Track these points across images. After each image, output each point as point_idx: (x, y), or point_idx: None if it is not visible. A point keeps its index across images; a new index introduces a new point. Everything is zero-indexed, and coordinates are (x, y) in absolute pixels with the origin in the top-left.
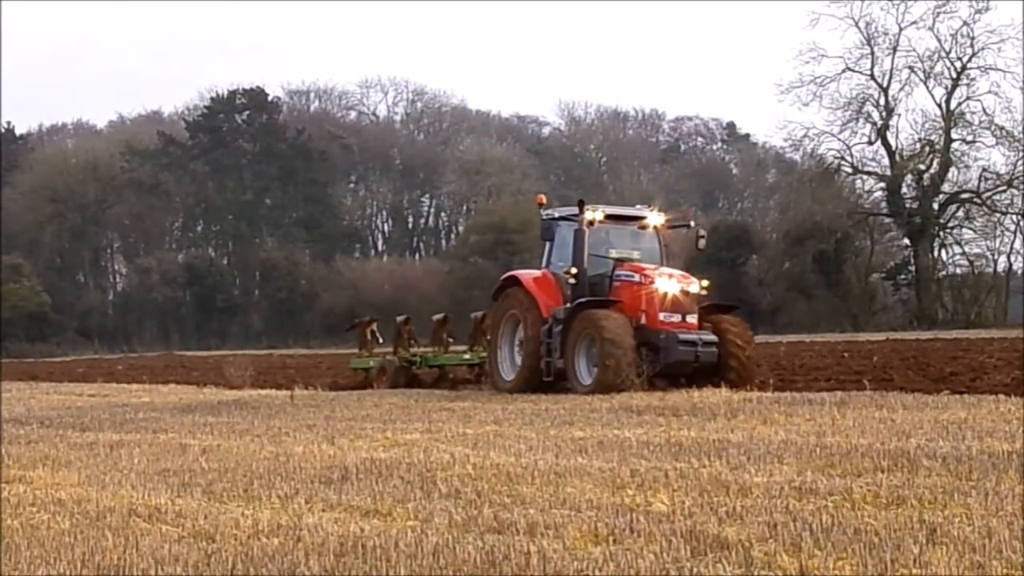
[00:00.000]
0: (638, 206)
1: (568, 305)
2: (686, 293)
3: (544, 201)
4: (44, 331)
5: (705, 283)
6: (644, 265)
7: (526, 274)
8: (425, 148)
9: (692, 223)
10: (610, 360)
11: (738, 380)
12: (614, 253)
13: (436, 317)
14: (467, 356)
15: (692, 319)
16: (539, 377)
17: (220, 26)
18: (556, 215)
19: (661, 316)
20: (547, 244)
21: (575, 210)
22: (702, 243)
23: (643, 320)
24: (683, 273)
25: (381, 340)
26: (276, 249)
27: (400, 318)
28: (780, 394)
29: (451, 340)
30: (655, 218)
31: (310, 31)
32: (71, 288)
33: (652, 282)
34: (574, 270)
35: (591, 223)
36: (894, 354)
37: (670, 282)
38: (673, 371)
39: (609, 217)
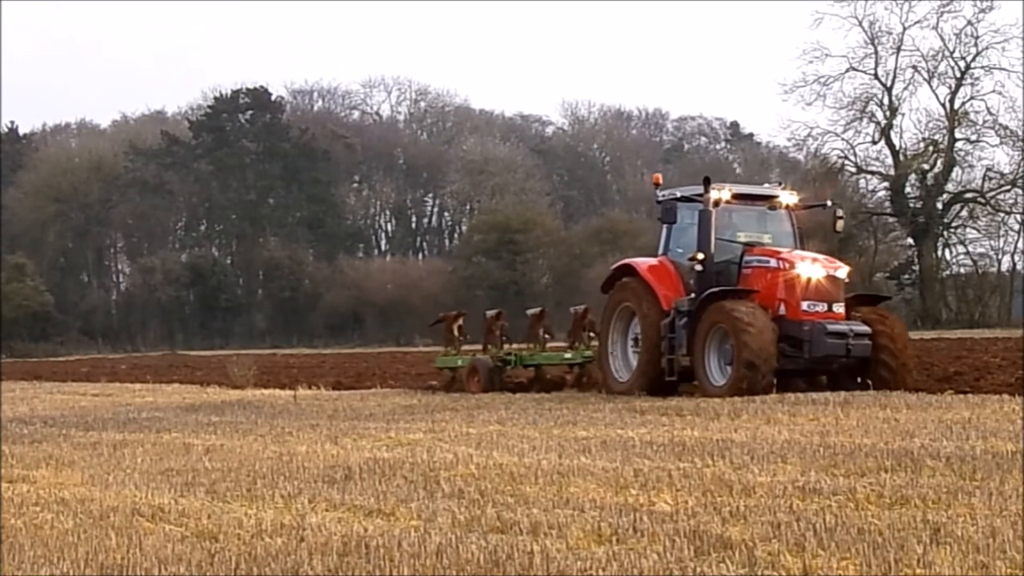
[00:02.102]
0: (766, 184)
1: (692, 296)
2: (832, 279)
3: (660, 180)
4: (47, 331)
5: (848, 269)
6: (779, 249)
7: (642, 262)
8: (428, 148)
9: (829, 202)
10: (748, 357)
11: (892, 381)
12: (742, 237)
13: (531, 311)
14: (568, 355)
15: (839, 308)
16: (660, 377)
17: (223, 26)
18: (678, 194)
19: (804, 305)
20: (665, 229)
21: (698, 189)
22: (840, 224)
23: (782, 311)
24: (827, 256)
25: (467, 336)
26: (279, 249)
27: (491, 312)
28: (784, 394)
29: (547, 337)
30: (788, 197)
31: (313, 31)
32: (75, 288)
33: (793, 267)
34: (700, 256)
35: (717, 203)
36: None
37: (813, 267)
38: (818, 368)
39: (737, 196)
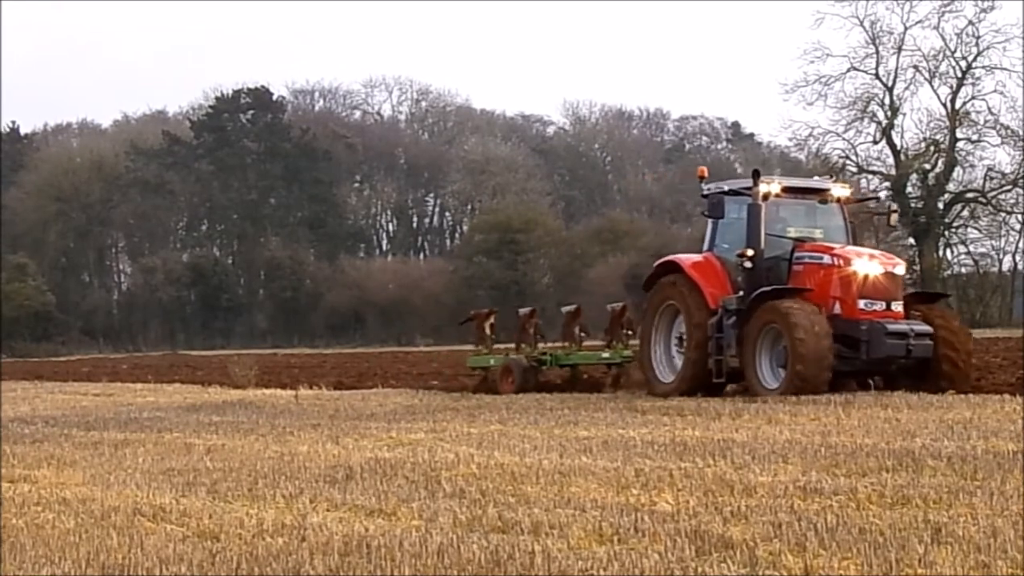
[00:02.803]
0: (816, 177)
1: (740, 294)
2: (890, 276)
3: (706, 174)
4: (49, 330)
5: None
6: (832, 244)
7: (686, 259)
8: (429, 147)
9: (881, 196)
10: (803, 359)
11: (953, 383)
12: (792, 232)
13: (567, 309)
14: (606, 355)
15: (898, 307)
16: (707, 377)
17: (224, 26)
18: (726, 188)
19: (861, 304)
20: (710, 224)
21: (746, 182)
22: (895, 219)
23: (837, 309)
24: (884, 252)
25: (496, 336)
26: (280, 248)
27: (524, 310)
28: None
29: (584, 335)
30: (840, 190)
31: (315, 30)
32: (76, 287)
33: (848, 263)
34: (750, 252)
35: (766, 196)
36: None
37: (871, 263)
38: (876, 369)
39: (787, 190)
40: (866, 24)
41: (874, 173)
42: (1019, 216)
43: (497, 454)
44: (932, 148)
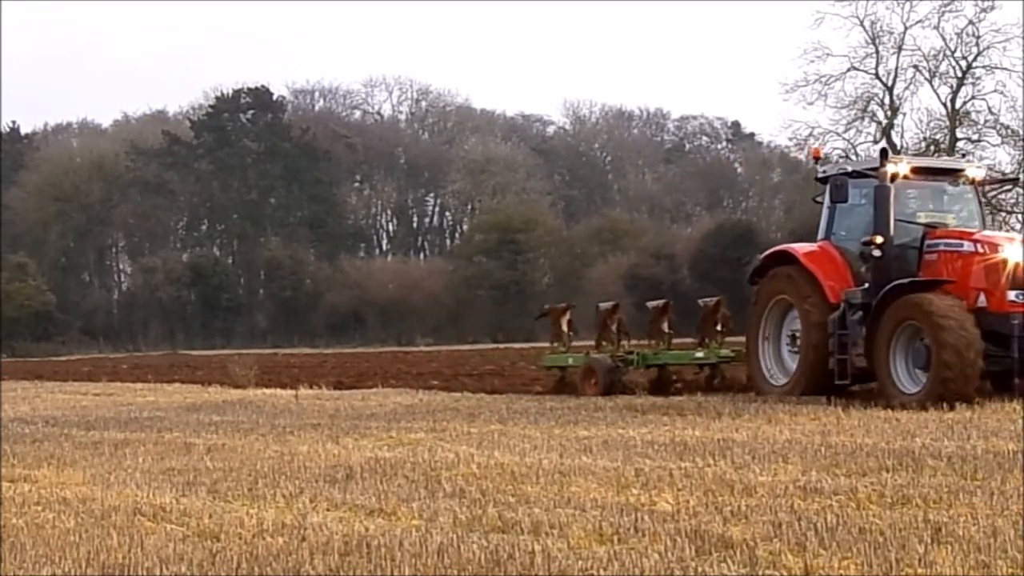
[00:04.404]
0: (943, 156)
1: (866, 286)
2: None
3: (820, 154)
4: (49, 330)
5: None
6: (969, 230)
7: (800, 248)
8: (429, 147)
9: (1021, 177)
10: (950, 360)
11: None
12: (923, 217)
13: (653, 304)
14: (699, 354)
15: None
16: (828, 379)
17: (224, 26)
18: (849, 169)
19: (1011, 295)
20: (826, 210)
21: (870, 163)
22: None
23: (982, 302)
24: None
25: (574, 333)
26: (281, 248)
27: (606, 305)
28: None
29: (671, 333)
30: (975, 170)
31: (315, 30)
32: (76, 287)
33: (995, 250)
34: (879, 239)
35: (894, 178)
36: None
37: (1020, 250)
38: None
39: (916, 170)
40: (866, 24)
41: None
42: (1019, 215)
43: (497, 454)
44: (932, 148)
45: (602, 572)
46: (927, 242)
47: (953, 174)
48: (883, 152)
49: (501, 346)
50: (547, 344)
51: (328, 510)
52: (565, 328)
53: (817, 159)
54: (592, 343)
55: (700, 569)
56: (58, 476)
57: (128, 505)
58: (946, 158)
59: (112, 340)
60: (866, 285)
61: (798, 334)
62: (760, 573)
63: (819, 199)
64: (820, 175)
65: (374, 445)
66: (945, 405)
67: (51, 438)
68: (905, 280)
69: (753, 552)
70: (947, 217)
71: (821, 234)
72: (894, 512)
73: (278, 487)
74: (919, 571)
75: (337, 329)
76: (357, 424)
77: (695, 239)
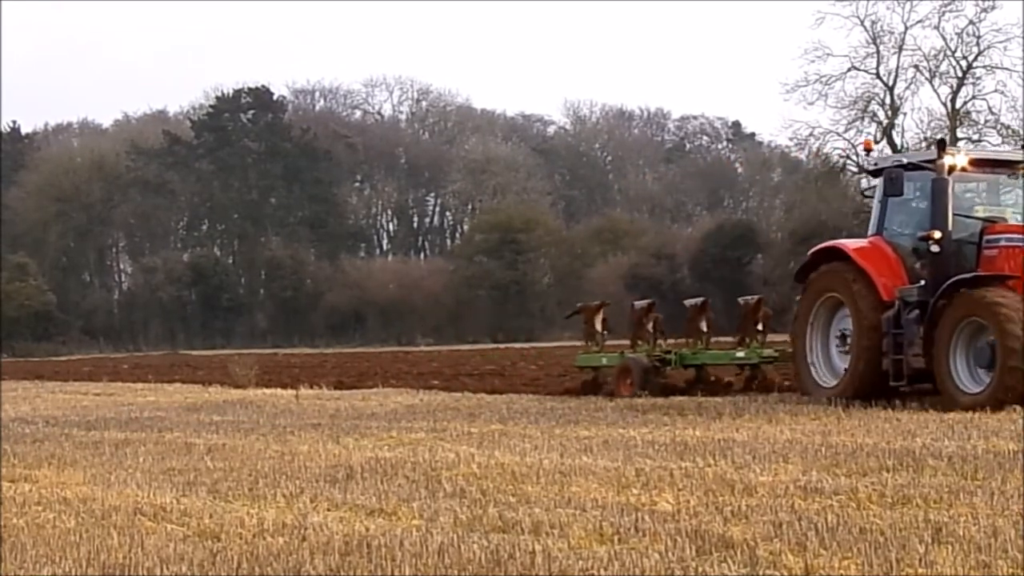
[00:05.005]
0: (1002, 146)
1: (922, 283)
2: None
3: (872, 146)
4: (49, 330)
5: None
6: None
7: (851, 244)
8: (430, 147)
9: None
10: (1018, 360)
11: None
12: (980, 211)
13: (691, 302)
14: (740, 354)
15: None
16: (881, 380)
17: (224, 26)
18: (904, 161)
19: None
20: (878, 204)
21: (925, 155)
22: None
23: None
24: None
25: (608, 332)
26: (281, 248)
27: (641, 303)
28: (785, 393)
29: (709, 332)
30: None
31: (315, 30)
32: (76, 287)
33: None
34: (937, 234)
35: (951, 170)
36: None
37: None
38: None
39: (975, 162)
40: (867, 24)
41: None
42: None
43: (498, 454)
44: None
45: (602, 572)
46: (986, 237)
47: (1011, 166)
48: (940, 143)
49: (501, 346)
50: (548, 344)
51: (329, 510)
52: (599, 327)
53: (868, 151)
54: (624, 343)
55: (700, 569)
56: (58, 476)
57: (128, 505)
58: (1005, 149)
59: (112, 340)
60: (922, 282)
61: (848, 333)
62: (760, 573)
63: (868, 193)
64: (872, 167)
65: (374, 445)
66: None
67: (51, 438)
68: (967, 275)
69: (754, 552)
70: (1005, 211)
71: (872, 229)
72: (895, 512)
73: (278, 487)
74: (919, 571)
75: (337, 329)
76: (357, 424)
77: (695, 239)
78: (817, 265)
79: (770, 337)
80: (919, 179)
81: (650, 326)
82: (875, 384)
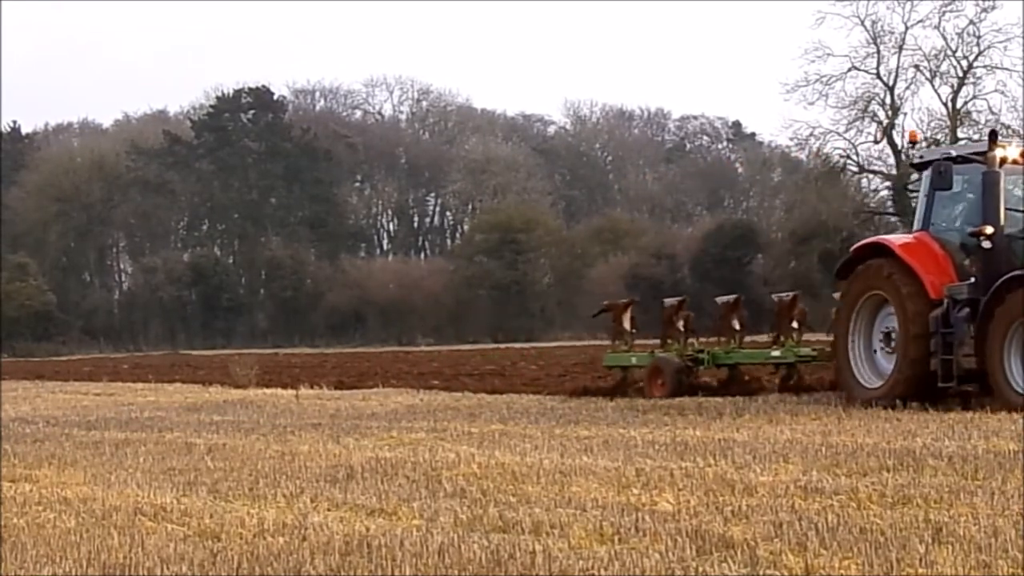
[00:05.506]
0: None
1: (972, 280)
2: None
3: (917, 137)
4: (50, 330)
5: None
6: None
7: (896, 240)
8: (430, 147)
9: None
10: None
11: None
12: None
13: (723, 300)
14: (775, 353)
15: None
16: (928, 381)
17: (224, 26)
18: (953, 154)
19: None
20: (923, 198)
21: (975, 147)
22: None
23: None
24: None
25: (637, 330)
26: (281, 248)
27: (672, 301)
28: (786, 393)
29: (742, 330)
30: None
31: (315, 30)
32: (77, 287)
33: None
34: (989, 230)
35: (1003, 162)
36: None
37: None
38: None
39: None
40: (867, 24)
41: (875, 173)
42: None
43: (498, 453)
44: (933, 148)
45: (603, 572)
46: None
47: None
48: (992, 134)
49: (502, 346)
50: (548, 344)
51: (329, 510)
52: (627, 325)
53: (914, 143)
54: (649, 342)
55: (701, 569)
56: (59, 476)
57: (129, 505)
58: None
59: (113, 340)
60: (972, 279)
61: (893, 333)
62: (761, 573)
63: (913, 187)
64: (917, 160)
65: (375, 445)
66: (944, 404)
67: (52, 438)
68: (1022, 272)
69: (754, 552)
70: None
71: (918, 224)
72: (895, 512)
73: (279, 487)
74: (920, 571)
75: (338, 329)
76: (358, 424)
77: (696, 239)
78: (860, 262)
79: (765, 336)
80: (966, 172)
81: (681, 324)
82: (923, 385)
